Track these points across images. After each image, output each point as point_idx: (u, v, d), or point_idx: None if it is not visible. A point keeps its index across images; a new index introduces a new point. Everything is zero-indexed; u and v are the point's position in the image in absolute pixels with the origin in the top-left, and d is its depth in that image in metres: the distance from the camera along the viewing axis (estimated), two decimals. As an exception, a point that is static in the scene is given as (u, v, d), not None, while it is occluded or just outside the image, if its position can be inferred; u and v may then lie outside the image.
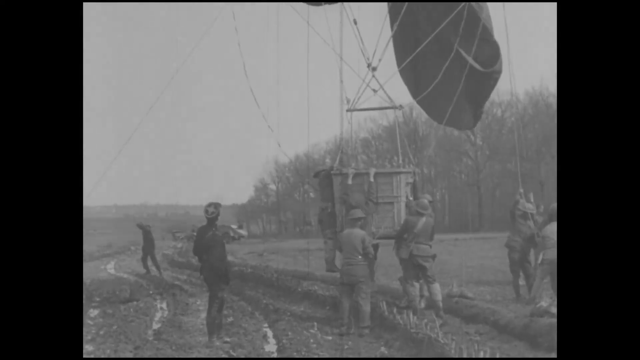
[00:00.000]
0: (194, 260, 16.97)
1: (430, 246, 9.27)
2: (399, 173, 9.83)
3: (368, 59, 10.34)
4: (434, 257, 9.33)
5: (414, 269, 9.19)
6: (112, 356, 7.29)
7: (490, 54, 9.98)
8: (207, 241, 8.16)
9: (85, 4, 5.05)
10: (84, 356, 6.59)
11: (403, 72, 11.07)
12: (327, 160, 51.11)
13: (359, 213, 8.89)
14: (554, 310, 7.43)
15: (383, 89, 10.31)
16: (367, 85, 10.32)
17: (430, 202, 9.72)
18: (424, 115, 49.57)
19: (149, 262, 18.35)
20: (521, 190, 11.12)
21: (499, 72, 10.18)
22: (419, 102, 11.38)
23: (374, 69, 10.34)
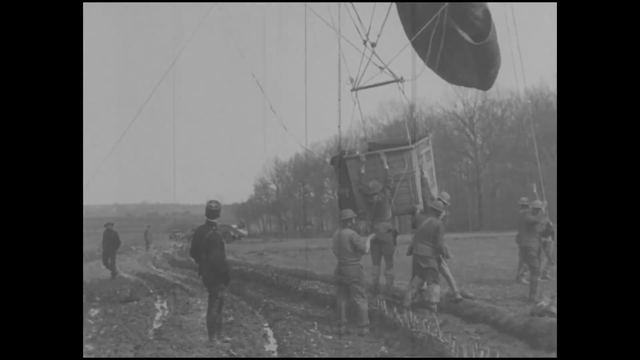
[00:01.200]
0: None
1: (433, 247, 9.14)
2: (409, 149, 9.71)
3: (367, 36, 10.15)
4: (437, 259, 9.26)
5: (419, 269, 9.21)
6: (113, 356, 7.28)
7: (482, 27, 9.59)
8: (207, 240, 8.10)
9: (85, 4, 5.06)
10: (84, 356, 6.61)
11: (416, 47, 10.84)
12: (327, 159, 51.05)
13: (349, 214, 8.85)
14: (554, 309, 7.43)
15: (387, 68, 10.19)
16: (370, 60, 10.08)
17: (446, 204, 9.46)
18: (424, 114, 49.57)
19: (109, 262, 18.05)
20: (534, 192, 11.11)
21: (492, 42, 9.79)
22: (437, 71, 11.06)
23: (373, 45, 10.15)
